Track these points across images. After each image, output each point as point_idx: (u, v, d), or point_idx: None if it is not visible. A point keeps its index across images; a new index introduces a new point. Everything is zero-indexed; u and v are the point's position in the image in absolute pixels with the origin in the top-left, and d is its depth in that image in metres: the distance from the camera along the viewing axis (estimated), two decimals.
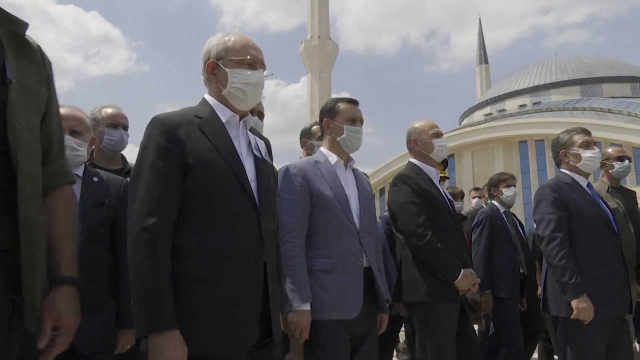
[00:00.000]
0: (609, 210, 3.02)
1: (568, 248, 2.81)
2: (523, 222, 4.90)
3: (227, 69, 1.74)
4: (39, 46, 1.37)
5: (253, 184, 1.69)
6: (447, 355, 2.77)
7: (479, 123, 50.63)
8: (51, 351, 1.30)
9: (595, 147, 3.06)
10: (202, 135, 1.64)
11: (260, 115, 2.74)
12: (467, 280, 2.79)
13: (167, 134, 1.59)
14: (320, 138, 2.94)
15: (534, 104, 51.21)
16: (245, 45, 1.77)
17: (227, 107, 1.76)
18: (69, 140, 2.19)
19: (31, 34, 1.34)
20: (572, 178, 3.02)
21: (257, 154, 1.79)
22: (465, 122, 59.31)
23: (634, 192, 3.82)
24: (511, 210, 4.65)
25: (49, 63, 1.40)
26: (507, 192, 4.49)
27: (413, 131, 3.06)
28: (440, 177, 4.09)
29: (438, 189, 2.96)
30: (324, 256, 2.26)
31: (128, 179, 2.56)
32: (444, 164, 4.26)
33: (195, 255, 1.55)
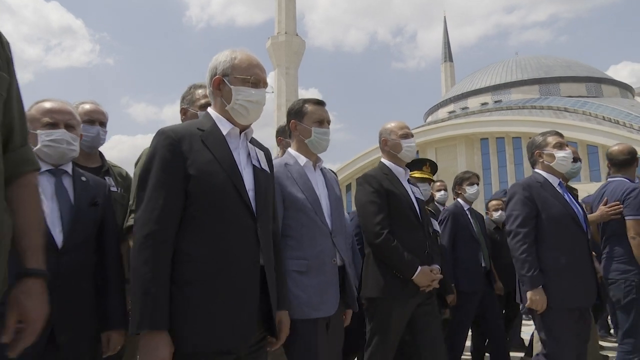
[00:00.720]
0: (579, 208, 3.17)
1: (530, 243, 2.99)
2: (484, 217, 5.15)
3: (232, 86, 1.83)
4: None
5: (251, 193, 1.79)
6: (389, 350, 2.90)
7: (442, 120, 51.76)
8: (16, 345, 1.29)
9: (567, 148, 3.23)
10: (204, 147, 1.74)
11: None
12: (425, 276, 2.85)
13: (170, 147, 1.69)
14: None
15: (495, 102, 52.64)
16: (250, 65, 1.87)
17: (228, 120, 1.85)
18: (64, 134, 2.19)
19: None
20: (544, 177, 3.19)
21: (256, 164, 1.88)
22: (429, 119, 60.46)
23: (576, 190, 4.17)
24: (474, 206, 4.83)
25: (8, 44, 1.33)
26: (470, 190, 4.67)
27: (384, 131, 3.14)
28: (425, 178, 4.30)
29: (404, 188, 3.02)
30: (300, 257, 2.31)
31: (107, 178, 2.63)
32: (433, 167, 4.44)
33: (196, 259, 1.65)
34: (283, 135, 3.28)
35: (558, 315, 2.95)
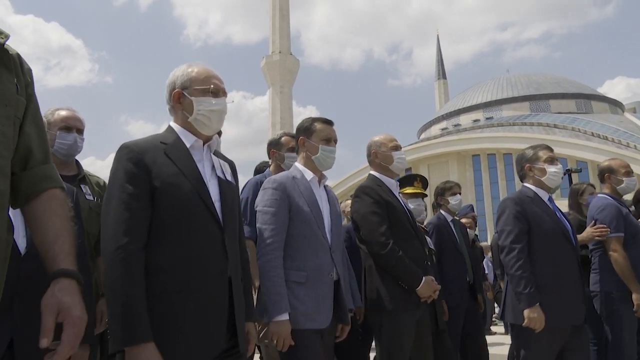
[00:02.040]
0: (568, 224, 3.13)
1: (525, 259, 2.90)
2: (477, 233, 5.10)
3: (192, 98, 1.85)
4: (18, 54, 1.35)
5: (217, 204, 1.79)
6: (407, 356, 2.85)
7: (435, 137, 52.39)
8: (60, 351, 1.14)
9: (558, 163, 3.19)
10: (167, 160, 1.75)
11: (218, 133, 2.75)
12: (428, 287, 2.86)
13: (134, 160, 1.70)
14: (291, 150, 3.19)
15: (487, 118, 53.36)
16: (208, 76, 1.89)
17: (191, 132, 1.87)
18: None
19: None
20: (534, 192, 3.13)
21: (221, 175, 1.89)
22: (423, 135, 61.12)
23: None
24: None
25: (29, 70, 1.38)
26: (452, 201, 4.51)
27: (373, 144, 3.13)
28: (418, 194, 4.22)
29: (398, 199, 3.04)
30: (299, 269, 2.34)
31: (82, 187, 2.64)
32: (423, 182, 4.33)
33: (165, 271, 1.64)
34: (276, 147, 3.31)
35: (539, 335, 2.86)
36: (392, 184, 3.08)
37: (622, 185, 3.69)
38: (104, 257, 1.64)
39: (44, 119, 2.58)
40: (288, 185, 2.44)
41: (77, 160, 2.77)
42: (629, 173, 3.75)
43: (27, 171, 1.32)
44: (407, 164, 3.24)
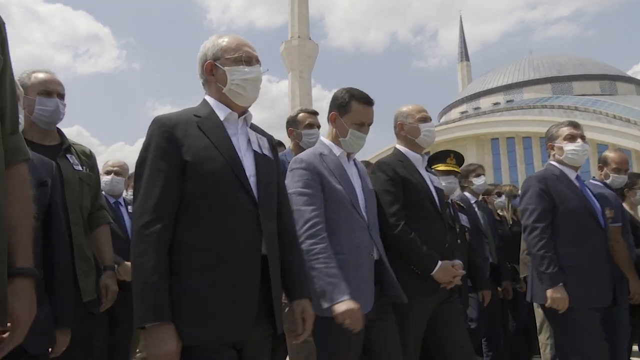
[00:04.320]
0: (597, 203, 3.03)
1: (548, 238, 2.82)
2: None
3: (225, 68, 1.79)
4: None
5: (252, 179, 1.72)
6: (412, 352, 2.62)
7: (454, 121, 51.97)
8: (3, 348, 1.24)
9: (579, 140, 3.02)
10: (200, 133, 1.69)
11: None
12: (445, 272, 2.58)
13: (165, 134, 1.65)
14: (309, 126, 3.16)
15: (507, 102, 52.50)
16: (239, 44, 1.83)
17: (226, 105, 1.81)
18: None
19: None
20: (560, 170, 3.03)
21: (257, 149, 1.81)
22: (443, 119, 60.55)
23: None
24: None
25: (3, 24, 1.26)
26: (477, 182, 4.55)
27: (400, 115, 2.88)
28: (450, 171, 3.90)
29: (421, 176, 2.77)
30: (337, 252, 2.19)
31: (69, 156, 2.47)
32: (458, 159, 4.06)
33: (194, 248, 1.60)
34: (294, 125, 3.21)
35: (578, 315, 2.76)
36: (417, 158, 2.81)
37: (609, 180, 3.69)
38: (131, 234, 1.63)
39: (19, 83, 2.39)
40: (317, 164, 2.31)
41: (59, 129, 2.57)
42: (619, 170, 3.69)
43: None
44: (435, 137, 2.88)
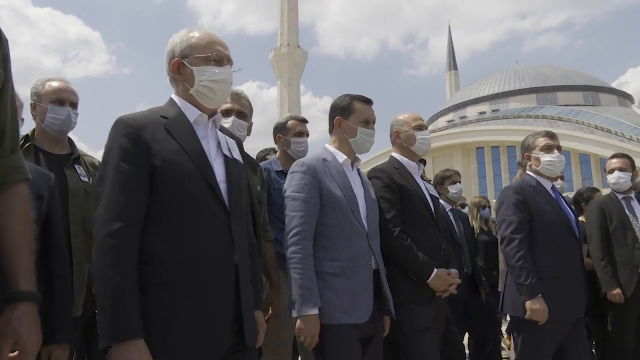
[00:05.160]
0: (572, 214, 3.03)
1: (526, 249, 2.81)
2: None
3: (193, 67, 1.68)
4: None
5: (222, 185, 1.63)
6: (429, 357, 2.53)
7: (441, 129, 52.56)
8: None
9: (556, 151, 3.02)
10: (168, 136, 1.58)
11: (241, 115, 2.55)
12: (441, 280, 2.57)
13: (131, 136, 1.53)
14: (298, 134, 3.07)
15: (493, 111, 53.20)
16: (210, 41, 1.71)
17: (195, 106, 1.70)
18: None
19: (7, 35, 1.25)
20: (537, 180, 3.02)
21: (227, 153, 1.73)
22: (430, 127, 61.07)
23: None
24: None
25: (6, 41, 1.25)
26: (452, 190, 4.40)
27: (396, 123, 2.89)
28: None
29: (417, 184, 2.77)
30: (334, 259, 2.18)
31: (77, 167, 2.43)
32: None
33: (163, 259, 1.49)
34: (282, 132, 3.11)
35: (541, 328, 2.77)
36: (413, 166, 2.83)
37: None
38: (93, 243, 1.48)
39: (34, 90, 2.46)
40: (318, 169, 2.27)
41: (70, 139, 2.57)
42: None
43: None
44: (430, 145, 2.90)
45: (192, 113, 1.69)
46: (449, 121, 56.30)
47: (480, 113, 53.89)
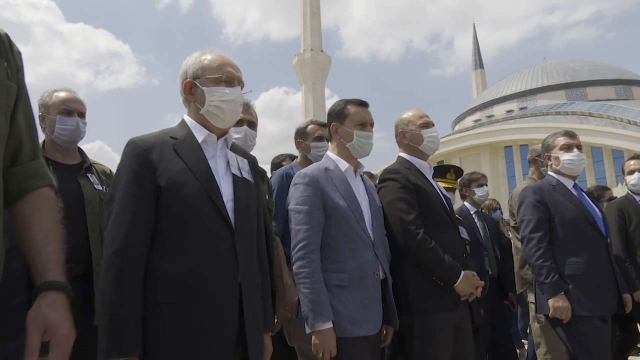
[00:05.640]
0: (597, 210, 3.00)
1: (545, 248, 2.81)
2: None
3: (204, 88, 1.73)
4: (6, 35, 1.23)
5: (230, 204, 1.66)
6: None
7: (467, 129, 51.93)
8: None
9: (575, 150, 3.02)
10: (176, 156, 1.63)
11: (252, 125, 2.58)
12: (468, 283, 2.45)
13: (139, 157, 1.59)
14: (318, 139, 3.00)
15: (521, 109, 52.29)
16: (221, 63, 1.76)
17: (205, 126, 1.74)
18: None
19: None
20: (557, 180, 3.03)
21: (237, 172, 1.75)
22: (457, 127, 60.46)
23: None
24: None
25: (19, 53, 1.27)
26: (479, 192, 4.39)
27: (400, 122, 2.76)
28: (449, 188, 3.82)
29: (431, 184, 2.67)
30: (341, 270, 2.13)
31: (89, 176, 2.46)
32: (457, 173, 4.01)
33: (167, 278, 1.52)
34: (302, 137, 3.11)
35: (585, 324, 2.74)
36: (424, 166, 2.70)
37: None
38: (104, 261, 1.55)
39: (41, 102, 2.49)
40: (321, 179, 2.23)
41: (80, 148, 2.60)
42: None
43: (16, 167, 1.23)
44: (439, 143, 2.77)
45: (201, 133, 1.74)
46: (475, 121, 55.54)
47: (508, 111, 52.98)
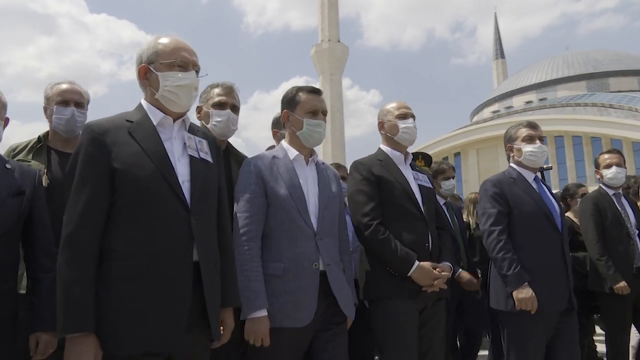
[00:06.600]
0: (555, 206, 2.97)
1: (506, 240, 2.79)
2: None
3: (158, 73, 1.74)
4: None
5: (186, 184, 1.69)
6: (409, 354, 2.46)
7: (485, 120, 51.39)
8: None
9: (537, 142, 2.98)
10: (130, 139, 1.66)
11: (234, 109, 2.55)
12: (424, 273, 2.47)
13: (94, 141, 1.63)
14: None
15: (540, 100, 51.51)
16: (175, 48, 1.76)
17: (161, 110, 1.76)
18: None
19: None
20: (519, 172, 2.99)
21: (194, 153, 1.77)
22: (475, 118, 59.86)
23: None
24: None
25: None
26: (444, 186, 4.30)
27: (381, 113, 2.82)
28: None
29: (402, 175, 2.68)
30: (276, 260, 2.12)
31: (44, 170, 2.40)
32: (426, 160, 4.02)
33: (122, 256, 1.57)
34: (278, 127, 3.06)
35: (525, 322, 2.74)
36: (398, 157, 2.75)
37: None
38: (60, 241, 1.60)
39: (45, 94, 2.58)
40: (263, 168, 2.23)
41: None
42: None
43: None
44: (415, 134, 2.78)
45: (156, 116, 1.76)
46: (494, 112, 54.90)
47: (527, 103, 52.25)
